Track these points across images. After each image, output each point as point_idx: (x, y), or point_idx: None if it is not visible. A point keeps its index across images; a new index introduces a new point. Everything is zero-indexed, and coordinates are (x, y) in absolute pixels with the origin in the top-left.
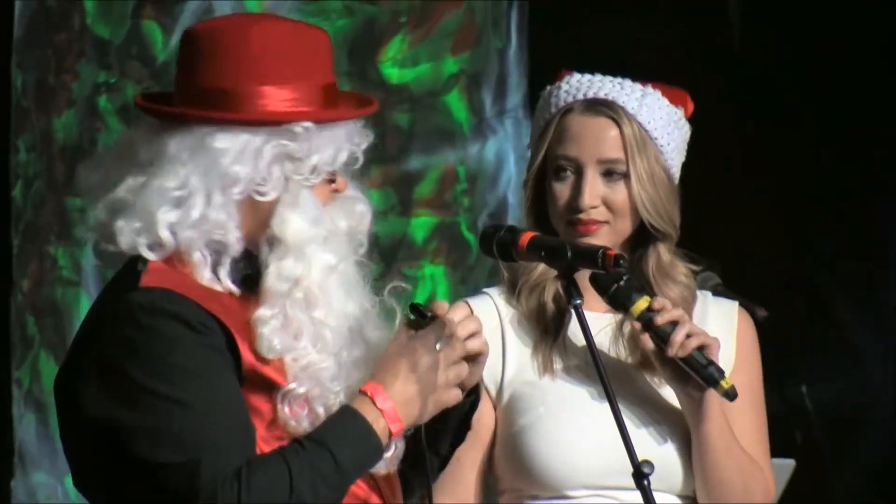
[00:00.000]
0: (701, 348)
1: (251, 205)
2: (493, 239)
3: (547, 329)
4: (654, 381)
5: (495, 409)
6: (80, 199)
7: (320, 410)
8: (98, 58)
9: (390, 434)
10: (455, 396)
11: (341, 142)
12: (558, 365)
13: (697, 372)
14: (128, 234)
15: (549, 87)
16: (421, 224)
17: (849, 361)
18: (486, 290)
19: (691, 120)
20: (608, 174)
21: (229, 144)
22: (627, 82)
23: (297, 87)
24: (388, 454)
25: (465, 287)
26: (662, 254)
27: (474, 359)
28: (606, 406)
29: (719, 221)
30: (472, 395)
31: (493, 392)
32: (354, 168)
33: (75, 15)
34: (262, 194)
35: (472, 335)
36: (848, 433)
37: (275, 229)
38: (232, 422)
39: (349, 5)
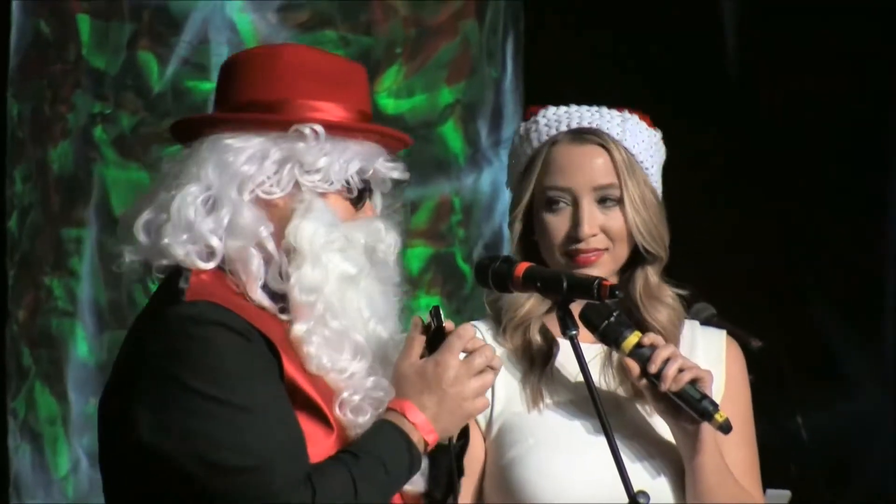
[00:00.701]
0: (693, 382)
1: (273, 211)
2: (489, 270)
3: (534, 363)
4: (645, 412)
5: (485, 440)
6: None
7: (369, 409)
8: (93, 88)
9: (426, 445)
10: (482, 405)
11: (353, 154)
12: (547, 398)
13: (691, 406)
14: (180, 247)
15: (523, 125)
16: (416, 255)
17: (845, 390)
18: (473, 322)
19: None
20: (602, 201)
21: (241, 144)
22: (604, 109)
23: (344, 107)
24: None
25: (461, 318)
26: (650, 276)
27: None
28: (596, 438)
29: (708, 247)
30: (462, 438)
31: (483, 425)
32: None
33: (71, 46)
34: (269, 193)
35: (486, 346)
36: (844, 464)
37: (290, 237)
38: (292, 426)
39: (345, 36)
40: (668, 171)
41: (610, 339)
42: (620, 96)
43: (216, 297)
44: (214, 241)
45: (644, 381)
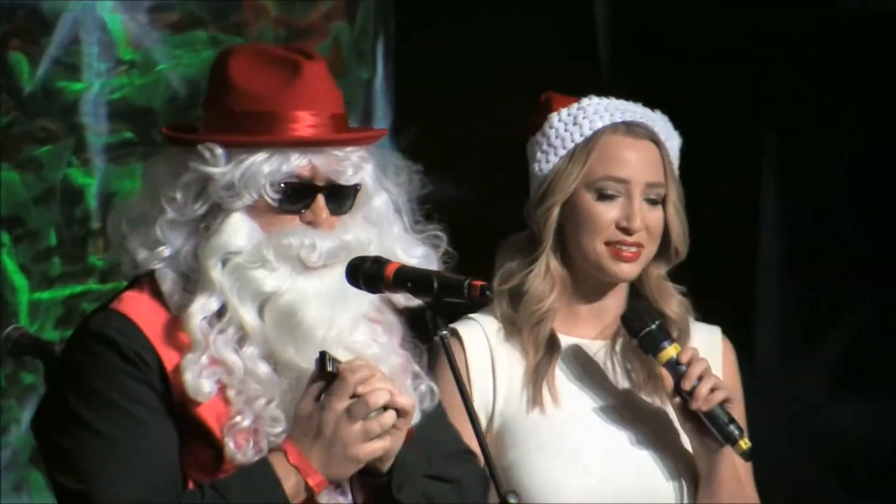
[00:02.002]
0: (723, 403)
1: (194, 231)
2: (360, 270)
3: (539, 362)
4: (649, 405)
5: (487, 434)
6: None
7: (264, 443)
8: None
9: (311, 489)
10: (370, 449)
11: (258, 167)
12: (548, 402)
13: (718, 428)
14: (122, 257)
15: (565, 110)
16: None
17: None
18: (473, 316)
19: None
20: (649, 199)
21: (164, 161)
22: (646, 108)
23: (315, 114)
24: None
25: None
26: (661, 272)
27: (400, 413)
28: (595, 439)
29: None
30: (388, 476)
31: (485, 419)
32: (278, 197)
33: None
34: (183, 213)
35: (375, 390)
36: None
37: (199, 256)
38: (140, 458)
39: (215, 37)
40: None
41: (648, 347)
42: (489, 106)
43: (138, 308)
44: (140, 256)
45: (676, 398)
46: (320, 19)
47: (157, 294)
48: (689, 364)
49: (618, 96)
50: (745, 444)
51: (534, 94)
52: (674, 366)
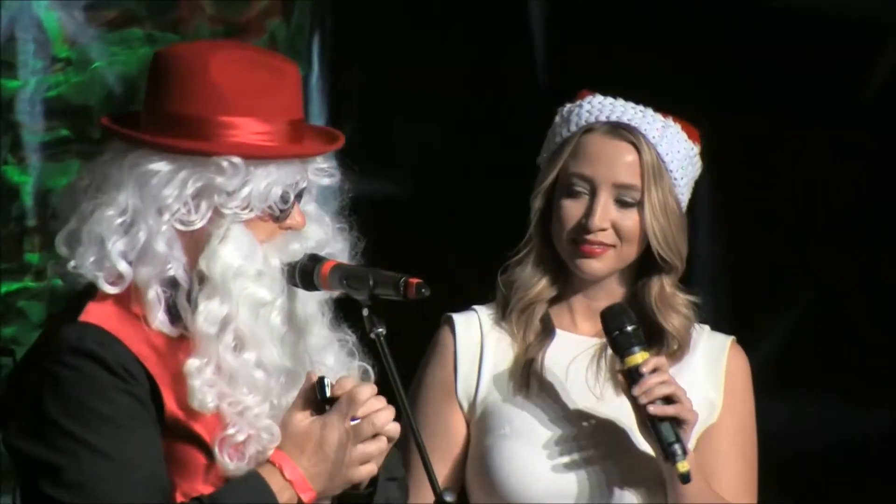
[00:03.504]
0: (677, 422)
1: (188, 238)
2: (295, 267)
3: (527, 350)
4: (627, 418)
5: (468, 424)
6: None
7: (252, 451)
8: None
9: (300, 502)
10: (366, 472)
11: (274, 178)
12: (533, 388)
13: (661, 444)
14: (88, 269)
15: (568, 105)
16: None
17: None
18: (475, 306)
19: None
20: (621, 199)
21: (161, 170)
22: (649, 111)
23: (267, 120)
24: None
25: None
26: (666, 285)
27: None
28: (569, 435)
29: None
30: (371, 486)
31: (466, 407)
32: (286, 207)
33: None
34: (186, 224)
35: (378, 412)
36: None
37: (202, 265)
38: (138, 473)
39: (151, 34)
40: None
41: (618, 347)
42: (426, 101)
43: (111, 320)
44: (122, 266)
45: (632, 402)
46: (256, 17)
47: (125, 305)
48: (650, 373)
49: (554, 92)
50: (682, 466)
51: (470, 92)
52: (635, 372)
